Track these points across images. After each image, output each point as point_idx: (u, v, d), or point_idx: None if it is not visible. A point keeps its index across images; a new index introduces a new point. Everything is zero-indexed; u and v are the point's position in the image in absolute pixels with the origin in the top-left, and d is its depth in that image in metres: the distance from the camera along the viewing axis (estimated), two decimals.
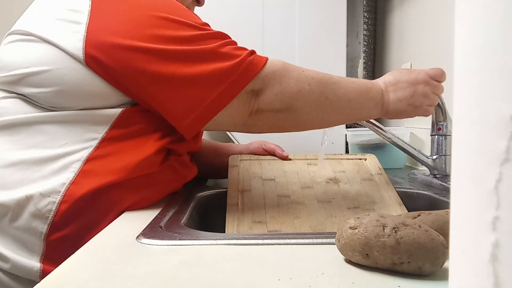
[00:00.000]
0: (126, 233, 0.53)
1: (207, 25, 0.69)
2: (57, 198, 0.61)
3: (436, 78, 0.77)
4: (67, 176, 0.62)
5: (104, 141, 0.65)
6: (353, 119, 0.76)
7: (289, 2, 1.35)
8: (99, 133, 0.65)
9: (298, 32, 1.35)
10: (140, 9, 0.65)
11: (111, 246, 0.49)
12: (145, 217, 0.61)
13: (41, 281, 0.38)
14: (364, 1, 1.46)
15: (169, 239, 0.50)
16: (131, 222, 0.59)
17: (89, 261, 0.44)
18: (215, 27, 1.38)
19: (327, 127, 0.78)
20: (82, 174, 0.63)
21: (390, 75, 0.76)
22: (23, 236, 0.61)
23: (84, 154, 0.63)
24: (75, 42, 0.63)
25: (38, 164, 0.62)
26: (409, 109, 0.74)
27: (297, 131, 0.74)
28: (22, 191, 0.61)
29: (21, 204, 0.61)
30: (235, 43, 0.68)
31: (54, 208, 0.61)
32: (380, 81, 0.75)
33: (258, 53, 0.65)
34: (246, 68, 0.64)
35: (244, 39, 1.35)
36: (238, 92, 0.64)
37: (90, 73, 0.63)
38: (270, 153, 1.06)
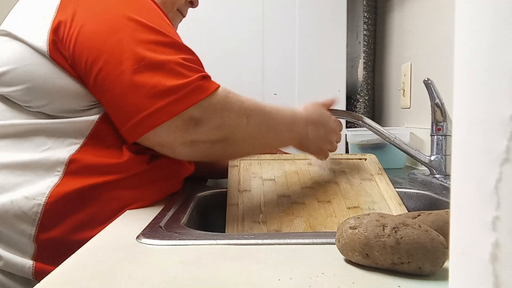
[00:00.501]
0: (126, 233, 0.53)
1: (173, 32, 0.67)
2: (43, 200, 0.61)
3: (339, 132, 0.86)
4: (52, 179, 0.62)
5: (86, 145, 0.65)
6: (274, 148, 0.82)
7: (289, 2, 1.35)
8: (80, 139, 0.65)
9: (298, 32, 1.35)
10: (107, 7, 0.65)
11: (111, 246, 0.49)
12: (145, 217, 0.61)
13: (41, 281, 0.38)
14: (364, 1, 1.46)
15: (169, 239, 0.50)
16: (131, 222, 0.59)
17: (89, 261, 0.44)
18: (214, 27, 1.39)
19: (256, 154, 0.85)
20: (67, 175, 0.63)
21: (313, 113, 0.81)
22: (13, 237, 0.61)
23: (67, 156, 0.63)
24: (40, 35, 0.64)
25: (22, 168, 0.63)
26: (316, 149, 0.82)
27: (226, 160, 0.78)
28: (6, 196, 0.61)
29: (6, 208, 0.61)
30: (193, 60, 0.65)
31: (40, 210, 0.61)
32: (302, 115, 0.79)
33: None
34: (190, 92, 0.62)
35: (244, 39, 1.35)
36: (176, 114, 0.61)
37: (56, 68, 0.64)
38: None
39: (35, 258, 0.62)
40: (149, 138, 0.64)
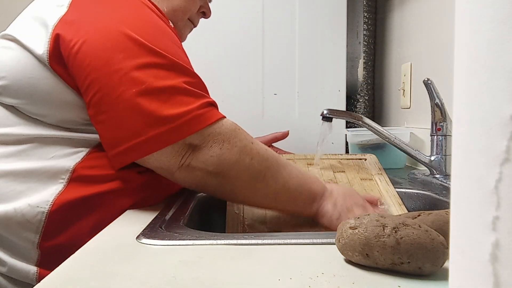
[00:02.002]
0: (126, 233, 0.53)
1: (177, 51, 0.65)
2: (46, 208, 0.60)
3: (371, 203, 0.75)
4: (56, 186, 0.62)
5: (91, 154, 0.65)
6: (284, 209, 0.70)
7: (289, 2, 1.35)
8: (86, 148, 0.65)
9: (298, 32, 1.35)
10: (110, 24, 0.63)
11: (111, 246, 0.49)
12: (145, 217, 0.61)
13: (41, 281, 0.38)
14: (364, 1, 1.46)
15: (169, 239, 0.50)
16: (131, 222, 0.59)
17: (89, 261, 0.44)
18: (215, 27, 1.39)
19: (257, 207, 0.73)
20: (71, 183, 0.62)
21: (337, 186, 0.73)
22: (16, 243, 0.61)
23: (72, 164, 0.63)
24: (41, 44, 0.63)
25: (25, 175, 0.62)
26: (337, 218, 0.68)
27: (224, 199, 0.71)
28: (9, 203, 0.61)
29: (9, 215, 0.60)
30: (196, 84, 0.63)
31: (44, 218, 0.60)
32: (327, 184, 0.72)
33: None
34: (190, 121, 0.59)
35: (244, 39, 1.35)
36: (172, 142, 0.59)
37: (59, 82, 0.63)
38: (270, 142, 1.06)
39: (38, 264, 0.61)
40: (146, 162, 0.62)
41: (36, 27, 0.65)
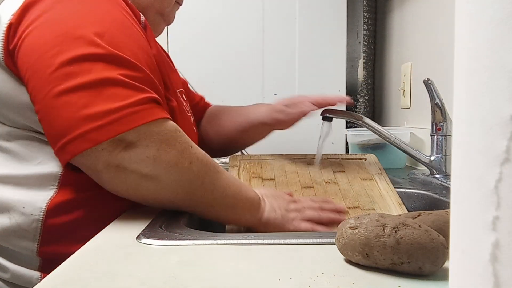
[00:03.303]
0: (126, 233, 0.53)
1: (134, 43, 0.60)
2: (41, 215, 0.60)
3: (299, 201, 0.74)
4: (47, 193, 0.61)
5: None
6: (222, 216, 0.67)
7: (289, 2, 1.35)
8: None
9: (298, 32, 1.35)
10: (55, 18, 0.59)
11: (111, 246, 0.49)
12: (145, 217, 0.61)
13: (42, 281, 0.38)
14: (364, 1, 1.46)
15: (169, 239, 0.50)
16: (131, 222, 0.59)
17: (89, 261, 0.44)
18: (215, 27, 1.39)
19: (195, 214, 0.68)
20: (62, 188, 0.61)
21: (264, 189, 0.73)
22: (16, 252, 0.61)
23: (60, 169, 0.62)
24: None
25: (15, 183, 0.61)
26: (281, 220, 0.68)
27: (157, 206, 0.64)
28: (3, 214, 0.60)
29: (5, 226, 0.60)
30: (137, 78, 0.58)
31: (39, 225, 0.60)
32: (256, 190, 0.70)
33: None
34: (124, 117, 0.54)
35: (244, 39, 1.35)
36: (102, 140, 0.54)
37: (17, 83, 0.61)
38: (323, 105, 0.92)
39: (41, 269, 0.61)
40: (76, 160, 0.57)
41: None
